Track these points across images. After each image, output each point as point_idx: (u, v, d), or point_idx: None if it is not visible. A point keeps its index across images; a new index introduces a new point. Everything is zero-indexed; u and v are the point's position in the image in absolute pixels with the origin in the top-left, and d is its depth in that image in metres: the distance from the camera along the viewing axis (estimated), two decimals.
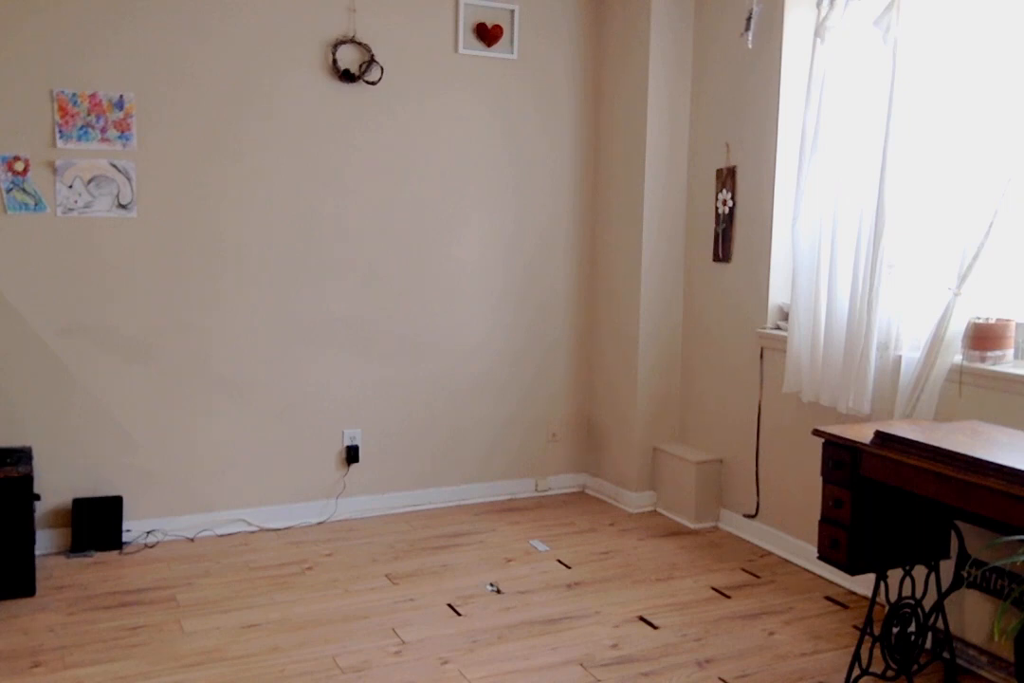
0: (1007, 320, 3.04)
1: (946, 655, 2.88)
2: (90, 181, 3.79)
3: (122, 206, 3.85)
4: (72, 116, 3.74)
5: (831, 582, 3.66)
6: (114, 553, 3.86)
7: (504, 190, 4.53)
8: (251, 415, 4.16)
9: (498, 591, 3.55)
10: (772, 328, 3.97)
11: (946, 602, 2.88)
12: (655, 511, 4.53)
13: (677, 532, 4.25)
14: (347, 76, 4.13)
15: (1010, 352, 3.03)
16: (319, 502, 4.31)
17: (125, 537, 3.93)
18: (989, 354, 3.01)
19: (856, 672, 2.80)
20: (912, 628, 2.83)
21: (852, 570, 2.74)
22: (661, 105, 4.33)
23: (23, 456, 3.58)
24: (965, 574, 2.81)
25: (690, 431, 4.51)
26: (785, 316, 3.90)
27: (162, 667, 2.92)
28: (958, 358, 3.07)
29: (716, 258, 4.24)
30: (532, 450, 4.76)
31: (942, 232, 3.18)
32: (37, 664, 2.93)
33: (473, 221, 4.48)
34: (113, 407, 3.92)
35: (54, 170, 3.73)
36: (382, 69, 4.19)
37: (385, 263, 4.34)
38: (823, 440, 2.78)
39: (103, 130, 3.79)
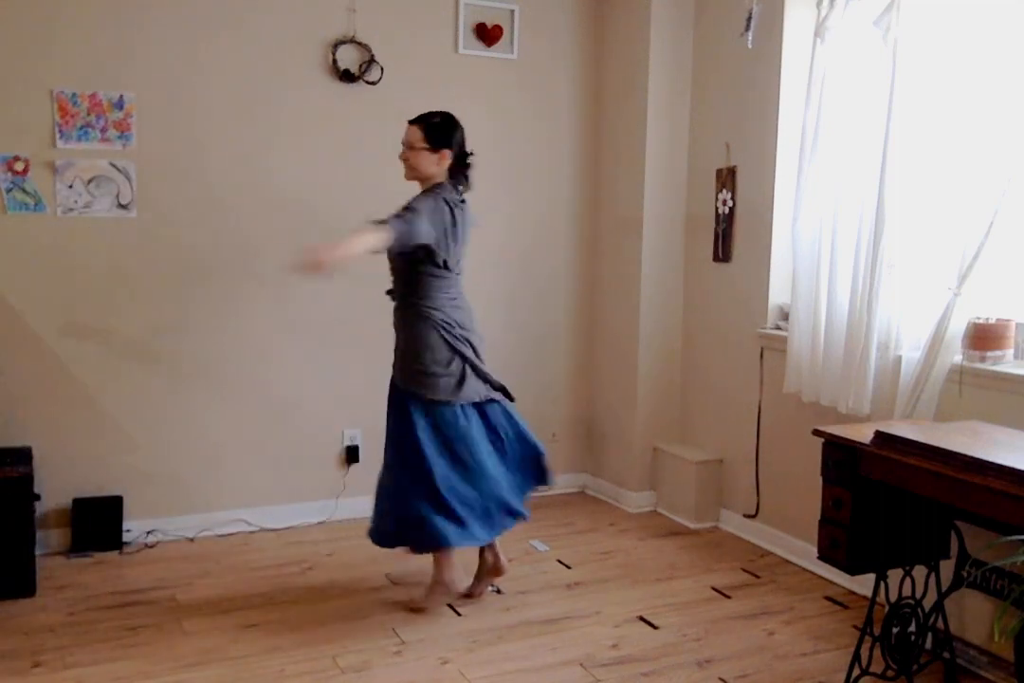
0: (1007, 320, 3.04)
1: (946, 655, 2.88)
2: (90, 181, 3.79)
3: (122, 206, 3.85)
4: (72, 116, 3.74)
5: (831, 582, 3.66)
6: (114, 553, 3.85)
7: (504, 190, 4.52)
8: (251, 415, 4.16)
9: (498, 591, 3.55)
10: (772, 328, 3.96)
11: (946, 602, 2.88)
12: (655, 511, 4.53)
13: (677, 532, 4.25)
14: (347, 76, 4.13)
15: (1010, 352, 3.02)
16: (319, 502, 4.31)
17: (125, 537, 3.93)
18: (989, 354, 3.01)
19: (856, 672, 2.80)
20: (912, 628, 2.83)
21: (852, 570, 2.74)
22: (661, 105, 4.32)
23: (23, 456, 3.58)
24: (965, 574, 2.81)
25: (690, 431, 4.51)
26: (785, 316, 3.90)
27: (162, 667, 2.92)
28: (958, 358, 3.07)
29: (716, 258, 4.23)
30: None
31: (942, 232, 3.17)
32: (37, 664, 2.92)
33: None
34: (113, 407, 3.92)
35: (54, 170, 3.73)
36: (382, 69, 4.19)
37: (385, 263, 4.32)
38: (823, 440, 2.78)
39: (103, 130, 3.79)
